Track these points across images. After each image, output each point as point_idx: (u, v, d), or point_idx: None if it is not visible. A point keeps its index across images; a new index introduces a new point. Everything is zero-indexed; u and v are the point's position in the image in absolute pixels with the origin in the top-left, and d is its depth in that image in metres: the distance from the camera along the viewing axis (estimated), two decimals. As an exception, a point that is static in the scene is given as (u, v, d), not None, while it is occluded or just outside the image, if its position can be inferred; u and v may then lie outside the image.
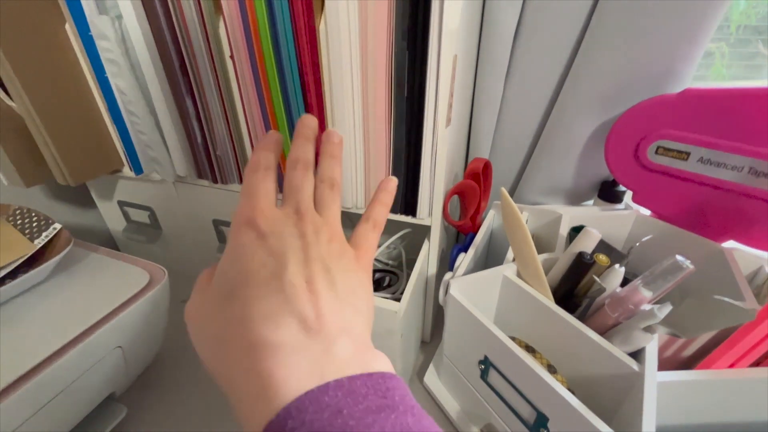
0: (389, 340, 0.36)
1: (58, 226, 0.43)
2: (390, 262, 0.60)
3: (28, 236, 0.42)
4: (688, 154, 0.37)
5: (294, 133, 0.26)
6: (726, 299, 0.22)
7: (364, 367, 0.16)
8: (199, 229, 0.60)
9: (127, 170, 0.57)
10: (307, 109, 0.41)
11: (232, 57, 0.41)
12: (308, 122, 0.26)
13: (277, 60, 0.39)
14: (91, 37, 0.44)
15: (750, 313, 0.22)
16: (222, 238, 0.59)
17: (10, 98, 0.46)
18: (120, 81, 0.45)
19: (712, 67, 0.55)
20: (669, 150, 0.38)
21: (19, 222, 0.44)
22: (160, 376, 0.51)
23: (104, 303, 0.38)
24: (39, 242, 0.42)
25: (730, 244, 0.39)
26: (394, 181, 0.27)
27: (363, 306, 0.20)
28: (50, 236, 0.42)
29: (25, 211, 0.45)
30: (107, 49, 0.43)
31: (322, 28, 0.36)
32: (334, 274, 0.19)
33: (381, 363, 0.17)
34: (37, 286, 0.40)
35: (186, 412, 0.47)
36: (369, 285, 0.22)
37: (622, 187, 0.49)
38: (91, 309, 0.37)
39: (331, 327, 0.17)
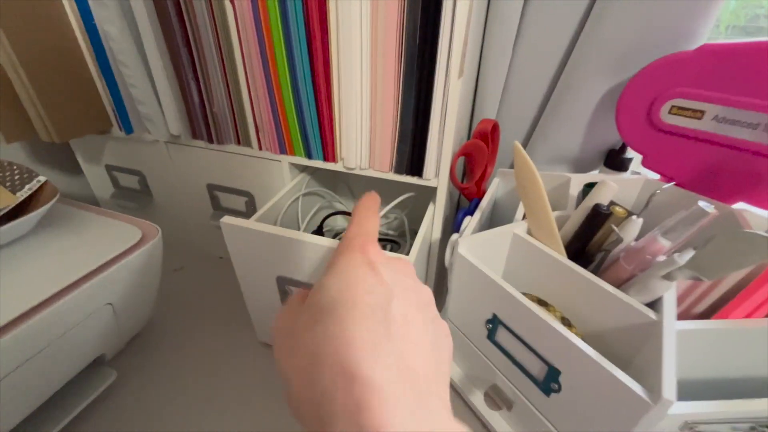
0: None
1: (42, 178, 0.41)
2: (391, 231, 0.59)
3: (9, 188, 0.40)
4: (703, 112, 0.37)
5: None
6: (759, 232, 0.21)
7: None
8: (193, 194, 0.57)
9: (116, 130, 0.54)
10: (311, 56, 0.39)
11: (232, 1, 0.38)
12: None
13: (282, 5, 0.36)
14: (78, -22, 0.41)
15: (784, 246, 0.21)
16: (217, 205, 0.57)
17: (-11, 43, 0.43)
18: (110, 27, 0.42)
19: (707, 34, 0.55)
20: (683, 109, 0.37)
21: (-1, 175, 0.41)
22: (151, 344, 0.49)
23: (93, 257, 0.36)
24: (22, 194, 0.39)
25: (738, 206, 0.38)
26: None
27: (445, 358, 0.19)
28: (34, 189, 0.40)
29: (5, 164, 0.43)
30: (96, -11, 0.40)
31: (330, -34, 0.34)
32: (427, 321, 0.19)
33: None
34: (22, 240, 0.38)
35: (177, 380, 0.45)
36: (448, 333, 0.21)
37: (628, 155, 0.48)
38: (80, 263, 0.35)
39: (426, 378, 0.16)
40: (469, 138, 0.54)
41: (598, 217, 0.31)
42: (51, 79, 0.46)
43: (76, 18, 0.45)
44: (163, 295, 0.47)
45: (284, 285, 0.40)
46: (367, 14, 0.35)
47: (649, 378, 0.25)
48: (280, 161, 0.48)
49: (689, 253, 0.25)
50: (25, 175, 0.41)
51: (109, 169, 0.60)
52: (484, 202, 0.44)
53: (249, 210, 0.55)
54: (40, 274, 0.34)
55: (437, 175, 0.42)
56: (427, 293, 0.21)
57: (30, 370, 0.31)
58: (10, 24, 0.42)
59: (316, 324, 0.17)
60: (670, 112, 0.38)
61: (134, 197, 0.61)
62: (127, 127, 0.52)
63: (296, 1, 0.36)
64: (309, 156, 0.46)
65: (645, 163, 0.43)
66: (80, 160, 0.62)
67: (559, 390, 0.30)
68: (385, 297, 0.17)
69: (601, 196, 0.32)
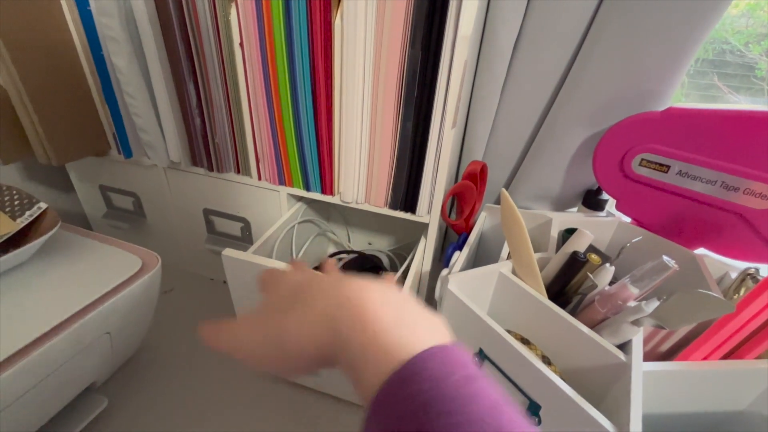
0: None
1: (43, 205, 0.41)
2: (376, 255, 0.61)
3: (8, 215, 0.40)
4: (668, 167, 0.41)
5: None
6: (711, 293, 0.24)
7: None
8: (188, 218, 0.58)
9: (114, 153, 0.55)
10: (315, 103, 0.41)
11: (241, 45, 0.41)
12: None
13: (289, 51, 0.39)
14: (89, 12, 0.43)
15: (730, 306, 0.24)
16: (211, 229, 0.58)
17: (-5, 68, 0.44)
18: (119, 60, 0.43)
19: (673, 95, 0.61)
20: (651, 162, 0.42)
21: (-2, 199, 0.42)
22: (141, 368, 0.49)
23: (94, 287, 0.36)
24: (22, 221, 0.39)
25: (700, 251, 0.42)
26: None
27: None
28: (35, 215, 0.40)
29: (4, 188, 0.43)
30: (108, 26, 0.41)
31: (337, 23, 0.37)
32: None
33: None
34: (22, 268, 0.38)
35: (168, 405, 0.45)
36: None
37: (604, 197, 0.52)
38: (80, 293, 0.36)
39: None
40: (458, 175, 0.57)
41: (575, 264, 0.34)
42: (53, 103, 0.47)
43: (83, 47, 0.46)
44: (153, 317, 0.47)
45: (281, 316, 0.41)
46: (370, 62, 0.38)
47: (619, 415, 0.28)
48: (278, 191, 0.50)
49: (654, 303, 0.29)
50: (25, 201, 0.42)
51: (104, 189, 0.61)
52: (472, 237, 0.47)
53: (244, 235, 0.56)
54: (40, 305, 0.34)
55: (429, 212, 0.45)
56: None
57: (23, 404, 0.31)
58: (16, 47, 0.43)
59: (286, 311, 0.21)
60: (640, 164, 0.42)
61: (127, 218, 0.62)
62: (127, 152, 0.52)
63: (303, 45, 0.38)
64: (307, 188, 0.48)
65: (618, 207, 0.47)
66: (73, 178, 0.62)
67: (539, 423, 0.32)
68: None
69: (578, 244, 0.35)
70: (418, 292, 0.51)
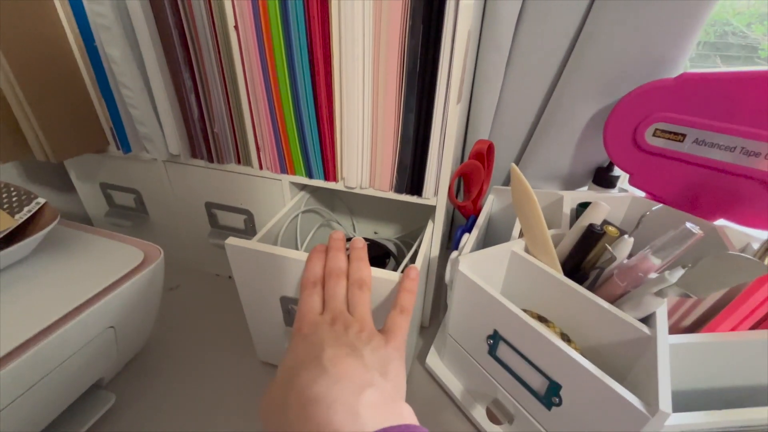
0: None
1: (41, 200, 0.40)
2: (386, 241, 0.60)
3: (7, 211, 0.39)
4: (684, 135, 0.39)
5: (328, 246, 0.35)
6: (742, 254, 0.23)
7: (393, 418, 0.21)
8: (190, 212, 0.57)
9: (113, 149, 0.54)
10: (314, 82, 0.40)
11: (236, 27, 0.39)
12: (338, 236, 0.35)
13: (285, 30, 0.38)
14: (80, 1, 0.42)
15: (764, 267, 0.23)
16: (214, 223, 0.57)
17: (-13, 64, 0.43)
18: (113, 50, 0.42)
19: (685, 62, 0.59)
20: (666, 132, 0.40)
21: (-4, 197, 0.41)
22: (148, 365, 0.48)
23: (97, 280, 0.35)
24: (21, 217, 0.39)
25: (719, 222, 0.41)
26: (416, 270, 0.34)
27: (392, 375, 0.25)
28: (33, 211, 0.39)
29: (3, 185, 0.42)
30: (101, 14, 0.40)
31: (334, -3, 0.35)
32: (363, 352, 0.25)
33: (407, 414, 0.23)
34: (21, 264, 0.37)
35: (176, 401, 0.44)
36: (399, 362, 0.27)
37: (616, 173, 0.50)
38: (82, 286, 0.35)
39: (360, 380, 0.23)
40: (463, 155, 0.56)
41: (592, 237, 0.33)
42: (48, 99, 0.46)
43: (76, 39, 0.45)
44: (159, 314, 0.46)
45: (288, 305, 0.40)
46: (370, 40, 0.36)
47: (645, 391, 0.26)
48: (280, 180, 0.49)
49: (679, 272, 0.27)
50: (24, 197, 0.41)
51: (104, 187, 0.60)
52: (481, 219, 0.46)
53: (248, 228, 0.55)
54: (41, 299, 0.33)
55: (436, 194, 0.43)
56: (366, 335, 0.27)
57: (29, 400, 0.30)
58: (8, 42, 0.42)
59: (284, 393, 0.24)
60: (654, 135, 0.41)
61: (129, 215, 0.61)
62: (126, 147, 0.52)
63: (300, 26, 0.37)
64: (310, 175, 0.47)
65: (632, 182, 0.45)
66: (73, 178, 0.61)
67: (560, 403, 0.31)
68: (318, 351, 0.25)
69: (594, 217, 0.34)
70: (426, 279, 0.50)
